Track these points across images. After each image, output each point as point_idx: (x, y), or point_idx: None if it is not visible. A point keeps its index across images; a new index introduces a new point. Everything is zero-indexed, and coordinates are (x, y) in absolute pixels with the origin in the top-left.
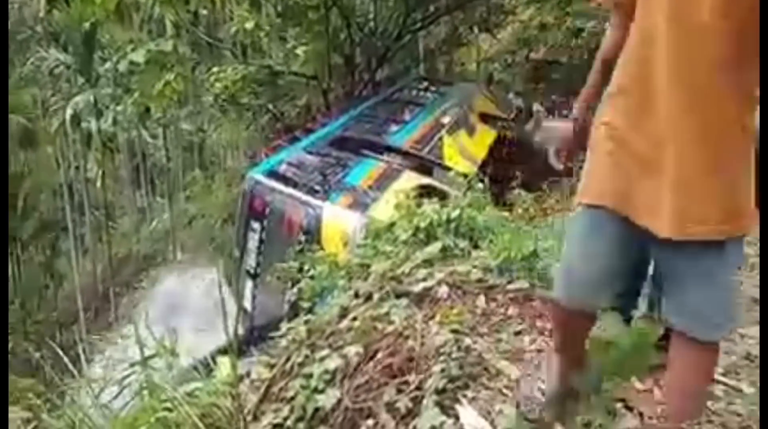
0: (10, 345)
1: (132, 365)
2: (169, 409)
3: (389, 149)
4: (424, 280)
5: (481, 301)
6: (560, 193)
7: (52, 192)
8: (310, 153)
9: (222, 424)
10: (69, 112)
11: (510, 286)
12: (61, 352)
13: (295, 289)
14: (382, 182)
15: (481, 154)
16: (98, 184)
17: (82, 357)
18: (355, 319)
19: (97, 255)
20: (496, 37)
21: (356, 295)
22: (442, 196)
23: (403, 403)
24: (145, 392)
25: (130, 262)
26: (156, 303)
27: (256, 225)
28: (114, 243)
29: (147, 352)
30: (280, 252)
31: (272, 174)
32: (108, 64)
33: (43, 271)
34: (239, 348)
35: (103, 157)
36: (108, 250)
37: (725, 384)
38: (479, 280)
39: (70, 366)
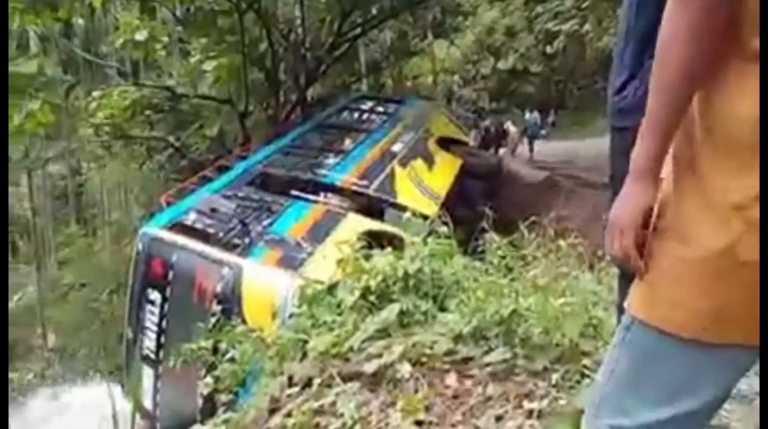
0: None
1: None
2: None
3: (326, 188)
4: (379, 356)
5: (452, 379)
6: (541, 234)
7: None
8: (225, 196)
9: None
10: None
11: (487, 358)
12: None
13: (209, 378)
14: (319, 230)
15: (443, 188)
16: None
17: None
18: (289, 414)
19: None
20: (454, 44)
21: (291, 382)
22: (398, 245)
23: None
24: None
25: None
26: (20, 409)
27: (155, 295)
28: None
29: None
30: (188, 329)
31: (176, 226)
32: None
33: None
34: None
35: None
36: None
37: None
38: (448, 353)
39: None
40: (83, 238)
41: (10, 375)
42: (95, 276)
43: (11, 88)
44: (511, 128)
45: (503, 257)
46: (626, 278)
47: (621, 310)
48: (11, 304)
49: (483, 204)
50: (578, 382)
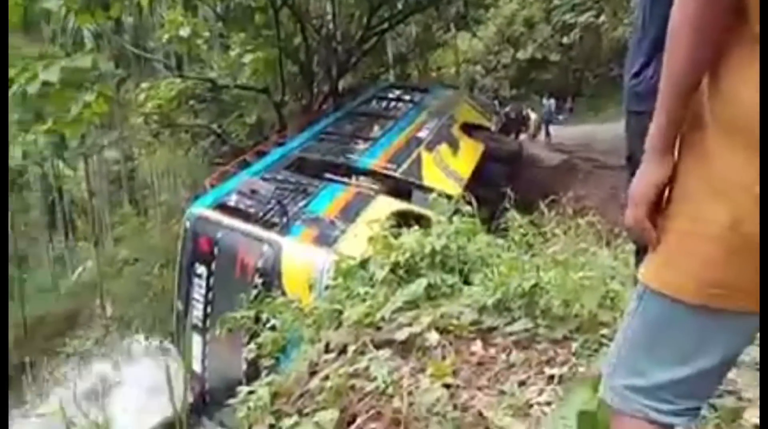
0: None
1: None
2: None
3: (357, 171)
4: (409, 325)
5: (478, 346)
6: (560, 213)
7: None
8: (264, 179)
9: None
10: None
11: (510, 328)
12: None
13: (253, 344)
14: (351, 211)
15: (466, 171)
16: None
17: None
18: (327, 377)
19: (7, 316)
20: (476, 36)
21: (327, 348)
22: (424, 224)
23: None
24: None
25: (48, 323)
26: (84, 371)
27: (201, 269)
28: (28, 300)
29: None
30: (232, 300)
31: (219, 206)
32: (15, 87)
33: None
34: (189, 419)
35: (11, 197)
36: (21, 310)
37: None
38: (474, 322)
39: None
40: (136, 217)
41: (73, 342)
42: (147, 252)
43: (69, 82)
44: (531, 114)
45: (524, 235)
46: (641, 253)
47: (637, 283)
48: (74, 279)
49: (504, 185)
50: (596, 350)
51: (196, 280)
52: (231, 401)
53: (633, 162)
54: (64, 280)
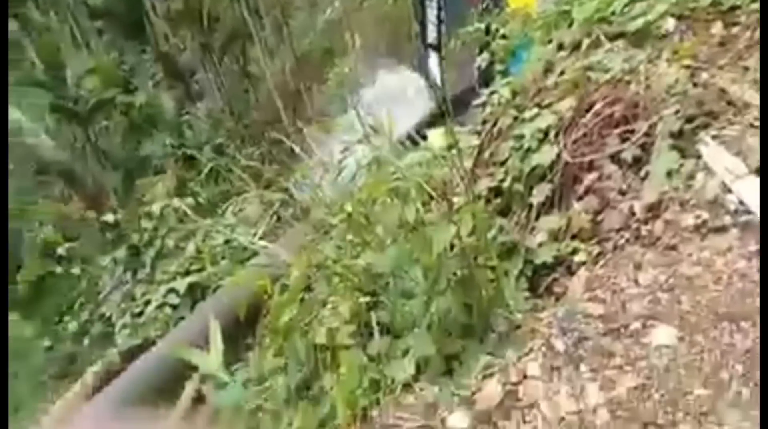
0: (229, 148)
1: (358, 142)
2: (398, 179)
3: None
4: (643, 15)
5: (718, 28)
6: None
7: (229, 2)
8: None
9: (441, 191)
10: None
11: (755, 5)
12: (286, 140)
13: (484, 54)
14: None
15: None
16: None
17: (312, 146)
18: (562, 72)
19: (281, 54)
20: None
21: (560, 47)
22: None
23: (630, 151)
24: (373, 167)
25: (311, 57)
26: (349, 90)
27: None
28: (295, 38)
29: (358, 137)
30: (461, 18)
31: None
32: None
33: (239, 77)
34: (434, 121)
35: None
36: (290, 48)
37: None
38: (713, 4)
39: (299, 152)
40: None
41: (334, 70)
42: None
43: None
44: None
45: None
46: None
47: None
48: (326, 17)
49: None
50: None
51: (428, 4)
52: (474, 103)
53: None
54: (319, 20)
